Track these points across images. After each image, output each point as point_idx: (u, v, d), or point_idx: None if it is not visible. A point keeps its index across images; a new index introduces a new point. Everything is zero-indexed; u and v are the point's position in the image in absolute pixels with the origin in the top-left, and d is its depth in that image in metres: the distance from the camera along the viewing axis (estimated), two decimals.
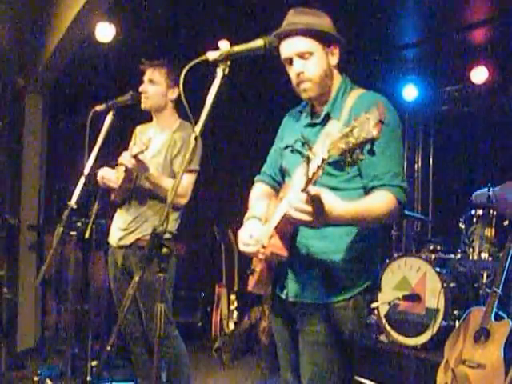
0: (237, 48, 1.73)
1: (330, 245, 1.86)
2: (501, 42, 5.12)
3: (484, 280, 4.08)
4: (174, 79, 3.06)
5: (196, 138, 1.67)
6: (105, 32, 4.46)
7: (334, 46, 1.94)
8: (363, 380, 3.84)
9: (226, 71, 1.69)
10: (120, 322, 1.78)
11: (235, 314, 4.98)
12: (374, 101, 1.84)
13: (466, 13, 4.94)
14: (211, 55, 1.71)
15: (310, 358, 1.88)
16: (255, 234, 1.89)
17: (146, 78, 3.08)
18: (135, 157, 2.79)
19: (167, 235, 2.95)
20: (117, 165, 2.95)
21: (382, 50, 5.57)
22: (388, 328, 4.24)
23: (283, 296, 1.95)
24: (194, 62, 1.65)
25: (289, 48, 1.92)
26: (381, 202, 1.75)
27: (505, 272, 3.36)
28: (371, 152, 1.37)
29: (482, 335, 3.23)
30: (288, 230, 1.78)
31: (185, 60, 1.68)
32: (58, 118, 5.18)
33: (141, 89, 3.06)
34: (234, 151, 6.15)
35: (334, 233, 1.85)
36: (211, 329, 5.03)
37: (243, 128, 6.15)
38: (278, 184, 2.17)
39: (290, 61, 1.93)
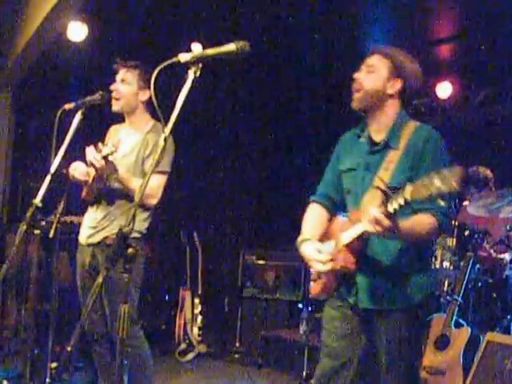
0: (209, 51, 1.75)
1: (395, 259, 2.11)
2: (465, 58, 5.27)
3: (445, 288, 4.16)
4: (146, 81, 3.06)
5: (165, 140, 1.68)
6: (77, 31, 4.42)
7: (400, 79, 2.16)
8: None
9: (198, 74, 1.70)
10: (82, 322, 1.77)
11: (199, 318, 4.97)
12: (429, 135, 2.10)
13: (432, 29, 5.06)
14: (183, 57, 1.71)
15: (384, 351, 2.12)
16: (323, 250, 2.10)
17: (118, 78, 3.07)
18: (105, 158, 2.79)
19: (136, 234, 2.94)
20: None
21: (350, 61, 5.63)
22: None
23: (351, 301, 2.16)
24: (165, 64, 1.66)
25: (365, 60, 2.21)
26: (425, 223, 2.01)
27: (465, 280, 3.45)
28: (446, 200, 1.68)
29: (443, 342, 3.30)
30: (358, 246, 2.07)
31: (157, 61, 1.69)
32: (25, 115, 5.09)
33: (112, 87, 3.05)
34: (203, 154, 6.14)
35: (398, 249, 2.10)
36: (175, 332, 5.00)
37: (214, 132, 6.15)
38: (334, 203, 2.33)
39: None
